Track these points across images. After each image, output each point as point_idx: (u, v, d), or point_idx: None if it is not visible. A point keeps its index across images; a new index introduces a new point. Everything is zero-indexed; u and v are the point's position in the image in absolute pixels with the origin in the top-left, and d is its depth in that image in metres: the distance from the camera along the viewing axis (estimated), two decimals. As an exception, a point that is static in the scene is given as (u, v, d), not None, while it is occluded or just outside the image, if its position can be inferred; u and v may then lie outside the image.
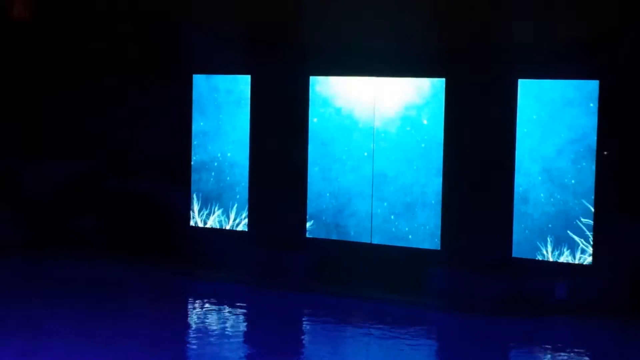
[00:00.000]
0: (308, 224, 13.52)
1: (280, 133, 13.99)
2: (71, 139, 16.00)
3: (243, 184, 14.02)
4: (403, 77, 12.96)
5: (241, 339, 11.02)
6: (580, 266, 11.96)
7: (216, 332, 11.07)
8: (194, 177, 14.39)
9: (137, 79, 15.61)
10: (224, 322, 11.61)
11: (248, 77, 14.03)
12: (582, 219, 11.98)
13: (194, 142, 14.39)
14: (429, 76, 12.84)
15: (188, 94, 14.34)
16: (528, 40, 12.46)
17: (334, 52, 13.65)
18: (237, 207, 14.04)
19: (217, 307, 12.26)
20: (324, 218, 13.47)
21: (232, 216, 14.08)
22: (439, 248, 12.78)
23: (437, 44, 12.92)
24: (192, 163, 14.39)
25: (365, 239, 13.19)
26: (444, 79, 12.80)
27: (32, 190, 15.68)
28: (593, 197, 11.91)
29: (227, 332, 11.10)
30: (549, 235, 12.15)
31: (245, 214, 13.98)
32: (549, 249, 12.14)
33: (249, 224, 13.95)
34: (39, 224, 15.59)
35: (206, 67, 14.29)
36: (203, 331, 11.23)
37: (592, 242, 11.89)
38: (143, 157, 15.37)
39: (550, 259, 12.06)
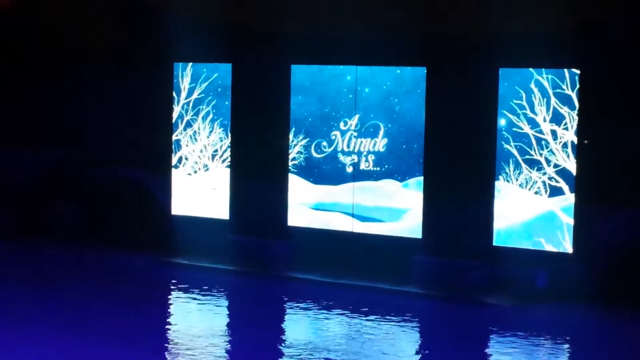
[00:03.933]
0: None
1: (261, 121, 13.98)
2: (51, 128, 15.90)
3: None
4: (384, 66, 12.96)
5: (219, 327, 11.07)
6: (561, 254, 12.03)
7: (194, 318, 11.14)
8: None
9: (117, 68, 15.53)
10: (203, 309, 11.63)
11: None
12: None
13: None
14: (410, 65, 12.84)
15: (169, 82, 14.28)
16: (509, 29, 12.50)
17: (315, 40, 13.64)
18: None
19: (196, 294, 12.23)
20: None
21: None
22: (420, 237, 12.81)
23: (418, 32, 12.93)
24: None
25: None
26: (424, 68, 12.81)
27: (11, 179, 15.56)
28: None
29: (205, 319, 11.18)
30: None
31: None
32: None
33: (231, 212, 13.92)
34: (18, 212, 15.47)
35: (187, 55, 14.23)
36: (181, 317, 11.28)
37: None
38: (124, 146, 15.30)
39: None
